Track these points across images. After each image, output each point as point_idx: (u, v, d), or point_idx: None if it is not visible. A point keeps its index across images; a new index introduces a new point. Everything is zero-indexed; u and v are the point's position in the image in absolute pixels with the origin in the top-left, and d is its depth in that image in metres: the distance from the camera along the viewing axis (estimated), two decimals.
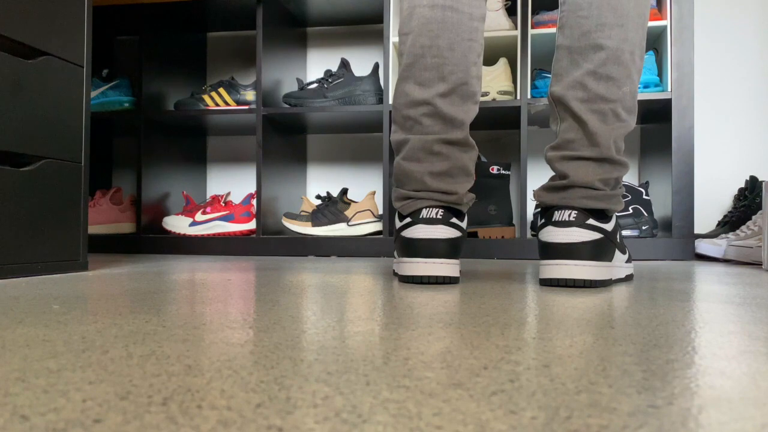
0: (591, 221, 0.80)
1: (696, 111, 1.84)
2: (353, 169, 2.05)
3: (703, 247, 1.52)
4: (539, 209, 1.75)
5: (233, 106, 1.80)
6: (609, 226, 0.83)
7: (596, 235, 0.80)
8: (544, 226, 0.83)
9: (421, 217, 0.85)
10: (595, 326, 0.49)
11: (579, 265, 0.79)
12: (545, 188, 0.86)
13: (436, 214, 0.85)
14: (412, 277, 0.85)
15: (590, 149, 0.82)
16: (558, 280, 0.80)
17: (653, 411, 0.27)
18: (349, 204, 1.74)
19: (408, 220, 0.87)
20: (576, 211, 0.80)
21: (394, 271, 0.97)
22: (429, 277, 0.84)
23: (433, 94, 0.86)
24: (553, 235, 0.81)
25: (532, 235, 1.66)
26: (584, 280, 0.79)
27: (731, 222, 1.66)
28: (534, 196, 0.88)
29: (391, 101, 1.67)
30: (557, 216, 0.81)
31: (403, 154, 0.89)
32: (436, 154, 0.87)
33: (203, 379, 0.32)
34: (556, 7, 1.71)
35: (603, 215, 0.83)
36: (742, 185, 1.79)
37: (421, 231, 0.85)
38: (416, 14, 0.87)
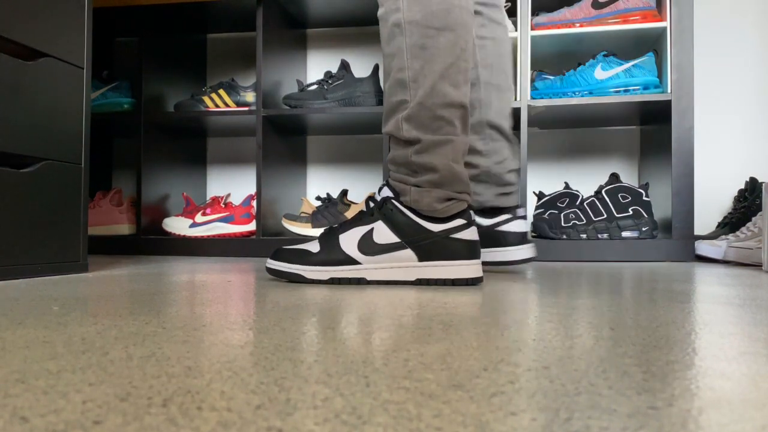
0: None
1: (696, 112, 1.84)
2: (353, 170, 2.05)
3: (703, 248, 1.52)
4: (539, 210, 1.75)
5: (233, 108, 1.80)
6: None
7: None
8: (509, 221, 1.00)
9: (473, 219, 0.88)
10: (595, 328, 0.49)
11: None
12: (500, 194, 1.06)
13: (475, 216, 0.91)
14: (478, 279, 0.87)
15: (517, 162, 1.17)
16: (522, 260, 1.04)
17: (653, 412, 0.27)
18: (349, 205, 1.74)
19: (462, 221, 0.86)
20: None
21: (421, 278, 0.87)
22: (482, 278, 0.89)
23: (463, 98, 0.86)
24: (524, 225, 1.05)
25: (533, 236, 1.66)
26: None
27: (731, 223, 1.66)
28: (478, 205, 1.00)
29: None
30: (521, 212, 1.12)
31: (454, 155, 0.86)
32: (467, 158, 0.91)
33: (203, 381, 0.32)
34: (556, 9, 1.71)
35: None
36: (742, 186, 1.79)
37: (475, 233, 0.88)
38: (455, 13, 0.84)
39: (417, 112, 0.85)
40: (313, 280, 0.88)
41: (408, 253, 0.86)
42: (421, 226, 0.86)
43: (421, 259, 0.86)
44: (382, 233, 0.87)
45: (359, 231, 0.88)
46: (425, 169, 0.86)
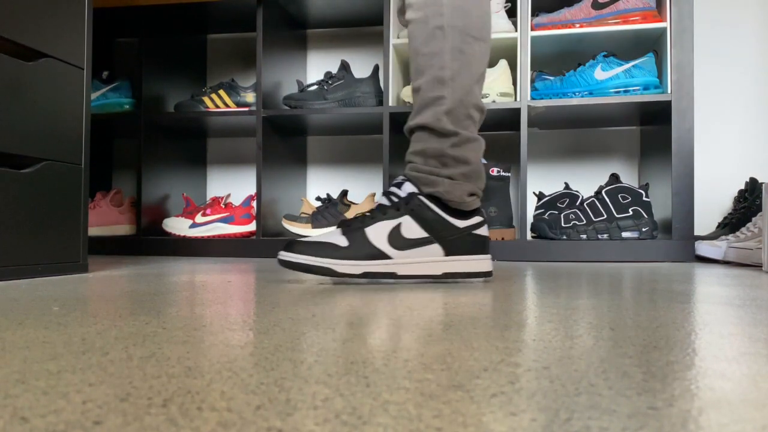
0: None
1: (696, 113, 1.84)
2: (353, 170, 2.05)
3: (703, 248, 1.52)
4: (539, 210, 1.75)
5: (233, 108, 1.80)
6: None
7: None
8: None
9: (485, 216, 0.93)
10: (595, 328, 0.49)
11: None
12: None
13: None
14: (491, 272, 0.93)
15: None
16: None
17: (653, 413, 0.27)
18: (349, 206, 1.74)
19: (480, 219, 0.92)
20: None
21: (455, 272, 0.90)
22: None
23: (483, 104, 0.94)
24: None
25: (533, 236, 1.66)
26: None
27: (731, 224, 1.66)
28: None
29: (392, 103, 1.67)
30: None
31: (479, 153, 0.92)
32: None
33: (203, 381, 0.32)
34: (556, 9, 1.71)
35: None
36: (742, 187, 1.79)
37: (487, 230, 0.94)
38: (488, 28, 0.93)
39: (455, 108, 0.89)
40: (345, 274, 0.87)
41: (436, 248, 0.89)
42: (449, 222, 0.90)
43: (447, 254, 0.90)
44: (411, 228, 0.88)
45: (387, 225, 0.88)
46: (460, 162, 0.90)
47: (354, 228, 0.89)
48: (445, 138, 0.90)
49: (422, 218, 0.89)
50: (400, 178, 0.93)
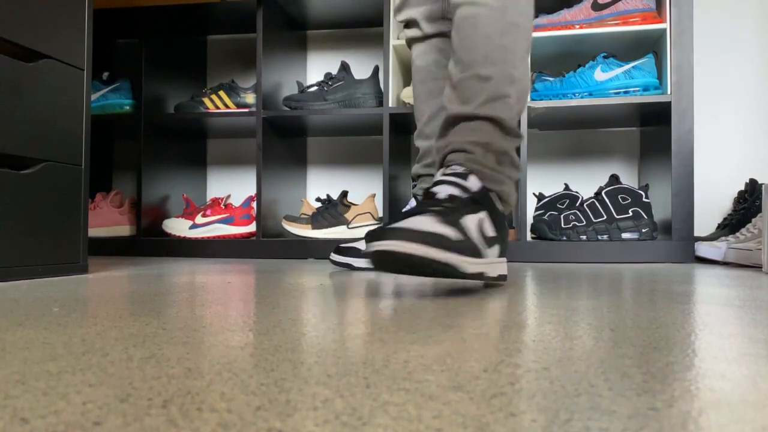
0: None
1: (695, 114, 1.84)
2: (353, 171, 2.06)
3: (702, 249, 1.52)
4: (539, 211, 1.75)
5: (233, 109, 1.80)
6: None
7: None
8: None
9: None
10: (594, 329, 0.49)
11: None
12: None
13: None
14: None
15: None
16: None
17: (653, 413, 0.27)
18: (349, 206, 1.74)
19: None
20: None
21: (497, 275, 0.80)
22: None
23: None
24: None
25: (533, 237, 1.66)
26: None
27: (731, 224, 1.66)
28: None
29: (392, 103, 1.67)
30: None
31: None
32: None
33: (203, 382, 0.32)
34: (556, 11, 1.72)
35: None
36: (742, 188, 1.79)
37: None
38: None
39: (520, 111, 0.88)
40: (469, 274, 0.71)
41: (498, 248, 0.81)
42: (504, 224, 0.84)
43: (500, 255, 0.82)
44: (489, 226, 0.78)
45: (474, 219, 0.76)
46: (514, 167, 0.87)
47: (452, 216, 0.72)
48: (512, 139, 0.86)
49: (494, 216, 0.80)
50: (460, 168, 0.81)
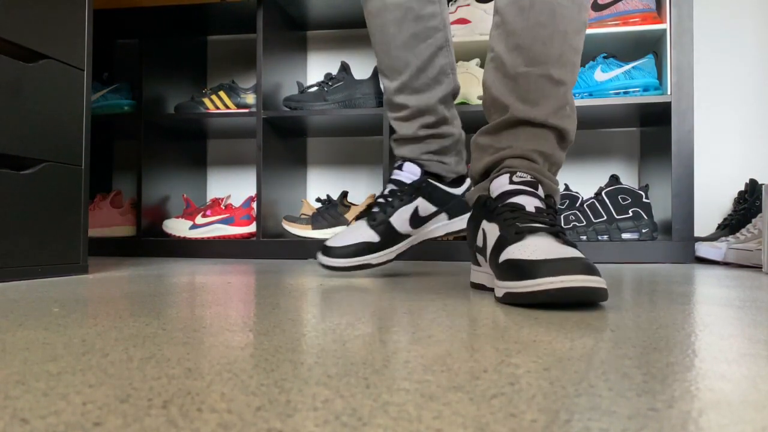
0: None
1: (696, 114, 1.84)
2: (353, 172, 2.05)
3: (702, 250, 1.52)
4: None
5: (233, 110, 1.80)
6: None
7: None
8: None
9: None
10: (595, 329, 0.49)
11: None
12: (461, 161, 1.07)
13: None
14: None
15: None
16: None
17: (653, 414, 0.27)
18: (349, 207, 1.74)
19: None
20: None
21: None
22: None
23: None
24: None
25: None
26: None
27: (731, 225, 1.66)
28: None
29: None
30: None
31: None
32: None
33: (203, 382, 0.32)
34: None
35: None
36: (742, 188, 1.79)
37: None
38: None
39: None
40: None
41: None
42: None
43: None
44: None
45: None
46: (554, 183, 0.79)
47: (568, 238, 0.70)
48: (563, 153, 0.80)
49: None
50: (528, 176, 0.74)
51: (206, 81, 2.13)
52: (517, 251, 0.64)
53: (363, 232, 0.98)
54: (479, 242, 0.77)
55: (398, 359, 0.38)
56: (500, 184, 0.74)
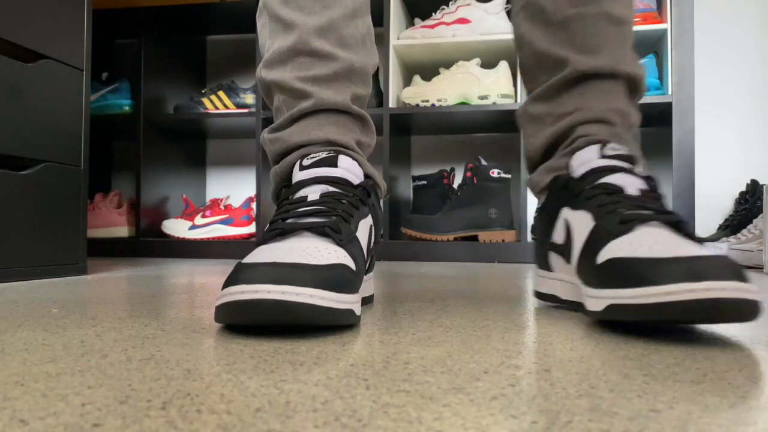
0: None
1: (696, 114, 1.84)
2: None
3: None
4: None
5: (233, 110, 1.80)
6: None
7: None
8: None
9: None
10: (595, 330, 0.49)
11: None
12: None
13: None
14: None
15: None
16: None
17: (654, 415, 0.26)
18: None
19: None
20: None
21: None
22: None
23: None
24: None
25: (533, 238, 1.66)
26: None
27: (732, 226, 1.66)
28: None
29: (392, 104, 1.67)
30: None
31: None
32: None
33: (203, 384, 0.32)
34: None
35: None
36: (743, 189, 1.79)
37: None
38: None
39: None
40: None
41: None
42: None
43: None
44: None
45: None
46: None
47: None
48: (638, 111, 0.65)
49: None
50: (622, 150, 0.58)
51: (206, 81, 2.13)
52: (627, 247, 0.47)
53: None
54: (557, 238, 0.59)
55: (398, 360, 0.37)
56: (586, 159, 0.57)
